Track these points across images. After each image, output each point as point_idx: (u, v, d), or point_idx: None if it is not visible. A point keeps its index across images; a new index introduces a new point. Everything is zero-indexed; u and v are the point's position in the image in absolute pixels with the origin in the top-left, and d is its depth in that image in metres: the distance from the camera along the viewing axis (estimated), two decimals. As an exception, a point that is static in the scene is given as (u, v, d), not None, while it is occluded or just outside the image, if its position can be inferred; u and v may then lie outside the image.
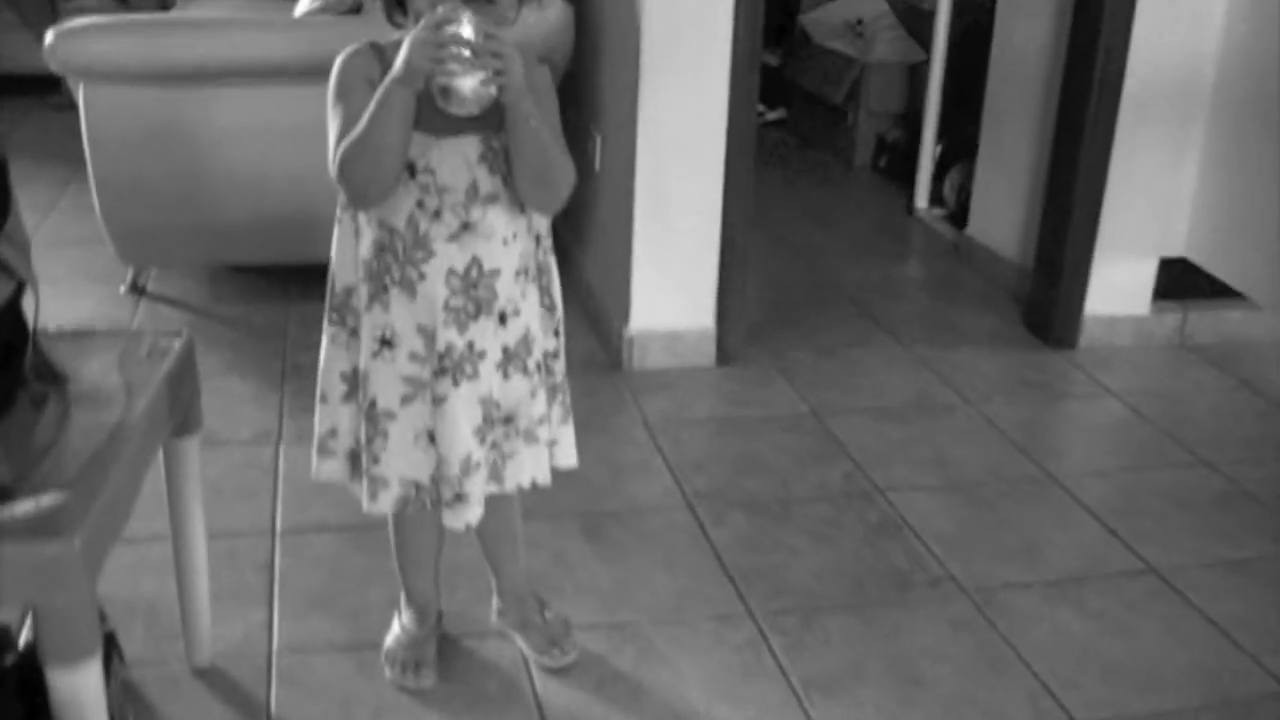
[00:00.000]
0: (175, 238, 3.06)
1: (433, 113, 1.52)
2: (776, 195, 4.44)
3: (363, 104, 1.53)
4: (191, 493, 1.80)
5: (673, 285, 2.95)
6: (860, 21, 5.23)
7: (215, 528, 2.22)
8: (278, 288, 3.34)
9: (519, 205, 1.65)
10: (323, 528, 2.25)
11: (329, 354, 1.73)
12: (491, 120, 1.55)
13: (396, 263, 1.62)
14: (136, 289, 3.34)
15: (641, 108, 2.79)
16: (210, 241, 3.09)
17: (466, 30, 1.46)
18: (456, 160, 1.60)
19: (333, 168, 1.56)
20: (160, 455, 1.71)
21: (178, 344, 1.71)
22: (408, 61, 1.47)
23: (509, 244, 1.65)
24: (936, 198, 4.35)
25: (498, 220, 1.63)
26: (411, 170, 1.59)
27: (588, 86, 3.22)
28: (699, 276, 2.95)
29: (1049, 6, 3.39)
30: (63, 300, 3.28)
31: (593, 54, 3.15)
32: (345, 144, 1.54)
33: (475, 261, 1.63)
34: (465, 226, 1.62)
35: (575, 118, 3.19)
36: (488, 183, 1.62)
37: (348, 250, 1.68)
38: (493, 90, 1.48)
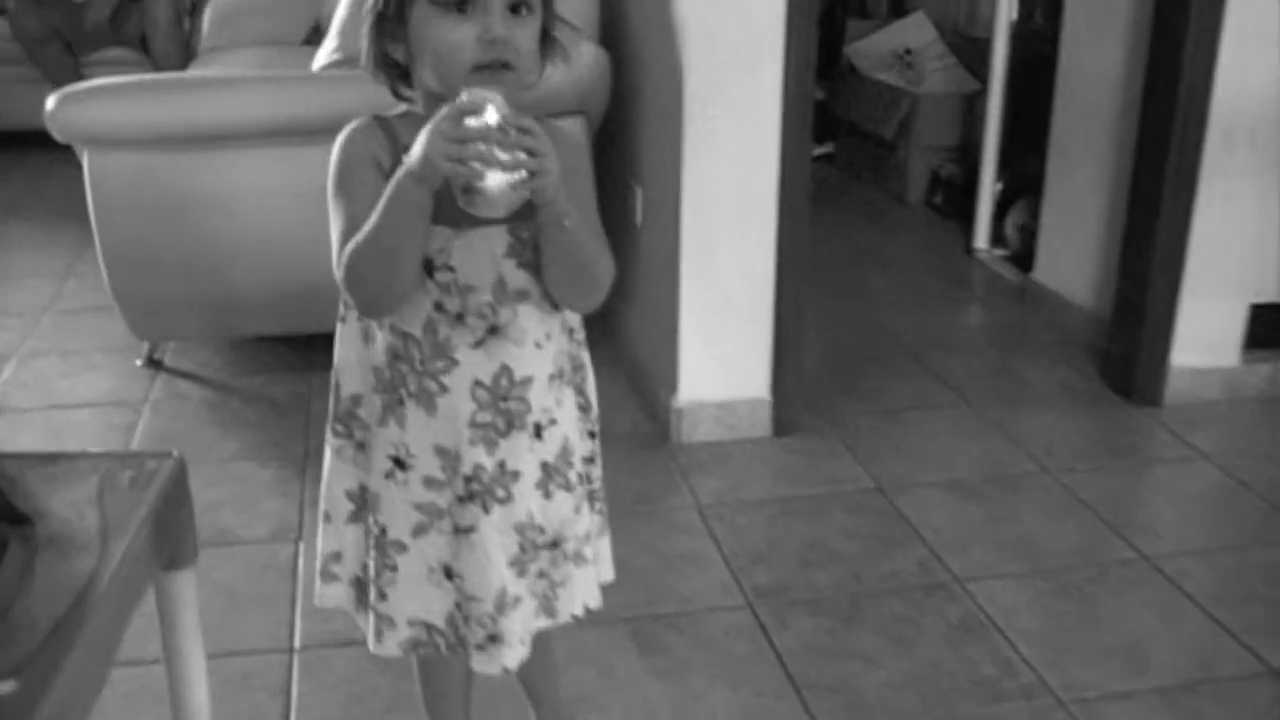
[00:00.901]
0: (190, 311, 2.87)
1: (454, 203, 1.31)
2: (826, 235, 4.20)
3: (370, 195, 1.32)
4: (187, 628, 1.58)
5: (723, 351, 2.72)
6: (909, 51, 5.01)
7: (227, 645, 2.02)
8: (301, 357, 3.14)
9: (551, 300, 1.44)
10: (345, 642, 2.03)
11: (333, 469, 1.52)
12: (521, 209, 1.34)
13: (413, 372, 1.41)
14: (153, 362, 3.15)
15: (686, 157, 2.57)
16: (227, 314, 2.90)
17: (493, 118, 1.24)
18: (481, 255, 1.39)
19: (337, 272, 1.35)
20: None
21: (167, 467, 1.49)
22: (425, 159, 1.25)
23: (542, 346, 1.44)
24: (997, 237, 4.10)
25: (529, 321, 1.42)
26: (429, 268, 1.38)
27: (626, 134, 3.01)
28: (752, 341, 2.72)
29: (1121, 34, 3.15)
30: (76, 376, 3.10)
31: (631, 99, 2.94)
32: (351, 246, 1.33)
33: (504, 370, 1.41)
34: (492, 330, 1.40)
35: (613, 168, 2.98)
36: (517, 279, 1.40)
37: (355, 354, 1.47)
38: (525, 193, 1.26)
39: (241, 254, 2.79)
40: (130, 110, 2.63)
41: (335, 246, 1.36)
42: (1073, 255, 3.44)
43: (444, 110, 1.26)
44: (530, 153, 1.24)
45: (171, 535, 1.46)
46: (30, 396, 2.99)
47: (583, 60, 2.74)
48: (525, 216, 1.34)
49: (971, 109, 4.60)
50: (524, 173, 1.24)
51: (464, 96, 1.27)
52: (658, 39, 2.69)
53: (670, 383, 2.74)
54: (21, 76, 5.30)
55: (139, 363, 3.14)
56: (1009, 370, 3.21)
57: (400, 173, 1.29)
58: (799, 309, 2.74)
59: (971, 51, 4.86)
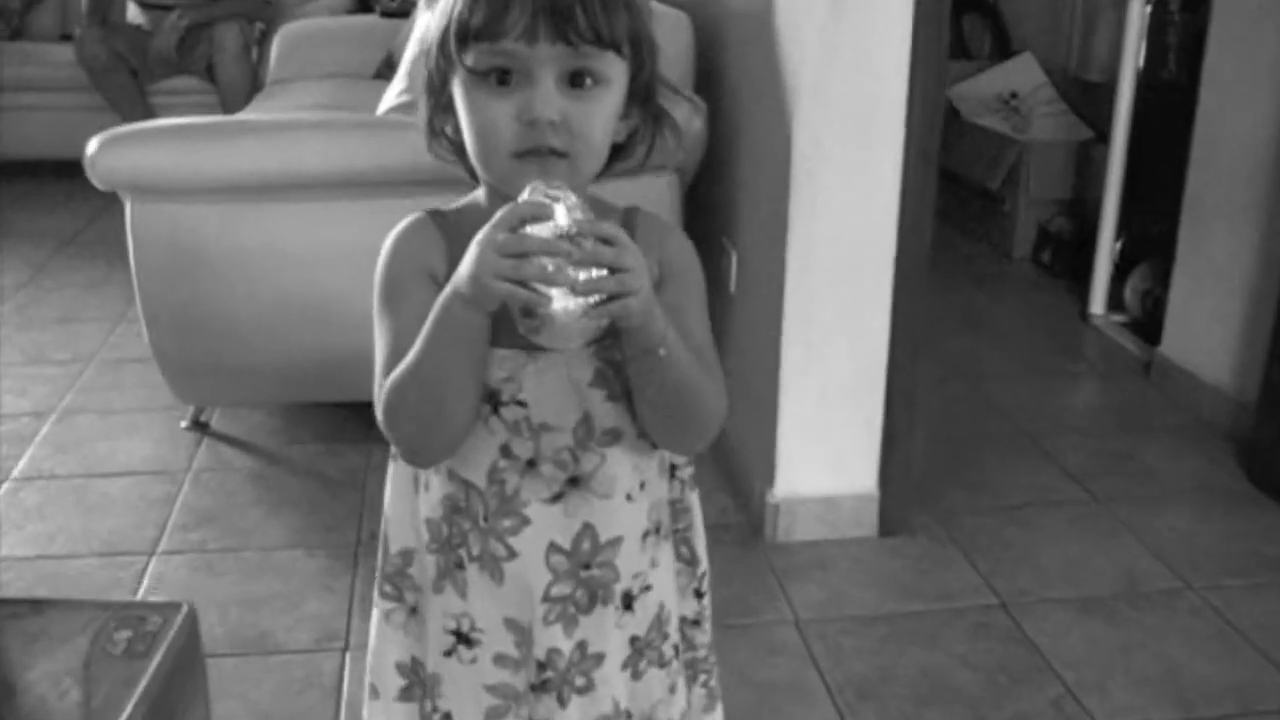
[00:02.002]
0: (237, 376, 2.62)
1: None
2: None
3: (419, 314, 1.05)
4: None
5: (828, 439, 2.42)
6: (1014, 95, 4.69)
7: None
8: (359, 425, 2.87)
9: (648, 438, 1.15)
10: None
11: (381, 636, 1.23)
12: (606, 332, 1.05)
13: (475, 530, 1.13)
14: (199, 424, 2.90)
15: (792, 220, 2.28)
16: (277, 380, 2.64)
17: (562, 222, 0.97)
18: (559, 386, 1.11)
19: (377, 409, 1.08)
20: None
21: (174, 623, 1.22)
22: (474, 278, 0.98)
23: (635, 498, 1.15)
24: (1116, 302, 3.77)
25: (620, 468, 1.14)
26: (494, 401, 1.10)
27: (719, 190, 2.73)
28: (860, 428, 2.42)
29: (1272, 88, 2.82)
30: (116, 438, 2.86)
31: (726, 152, 2.66)
32: (393, 378, 1.05)
33: (587, 530, 1.13)
34: (573, 482, 1.12)
35: (703, 228, 2.69)
36: (606, 415, 1.12)
37: (405, 501, 1.19)
38: (604, 319, 0.98)
39: (295, 315, 2.53)
40: (176, 157, 2.39)
41: (376, 378, 1.09)
42: (1209, 329, 3.10)
43: (499, 213, 0.98)
44: (612, 268, 0.96)
45: (174, 713, 1.19)
46: (66, 462, 2.75)
47: (678, 117, 2.45)
48: (615, 332, 1.06)
49: (1085, 160, 4.27)
50: (600, 295, 0.97)
51: (525, 194, 0.99)
52: (762, 90, 2.41)
53: (767, 473, 2.44)
54: (87, 104, 5.12)
55: (184, 424, 2.89)
56: (1136, 459, 2.88)
57: (447, 291, 1.01)
58: (913, 394, 2.43)
59: (1084, 97, 4.54)
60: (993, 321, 3.83)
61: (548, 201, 0.98)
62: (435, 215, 1.14)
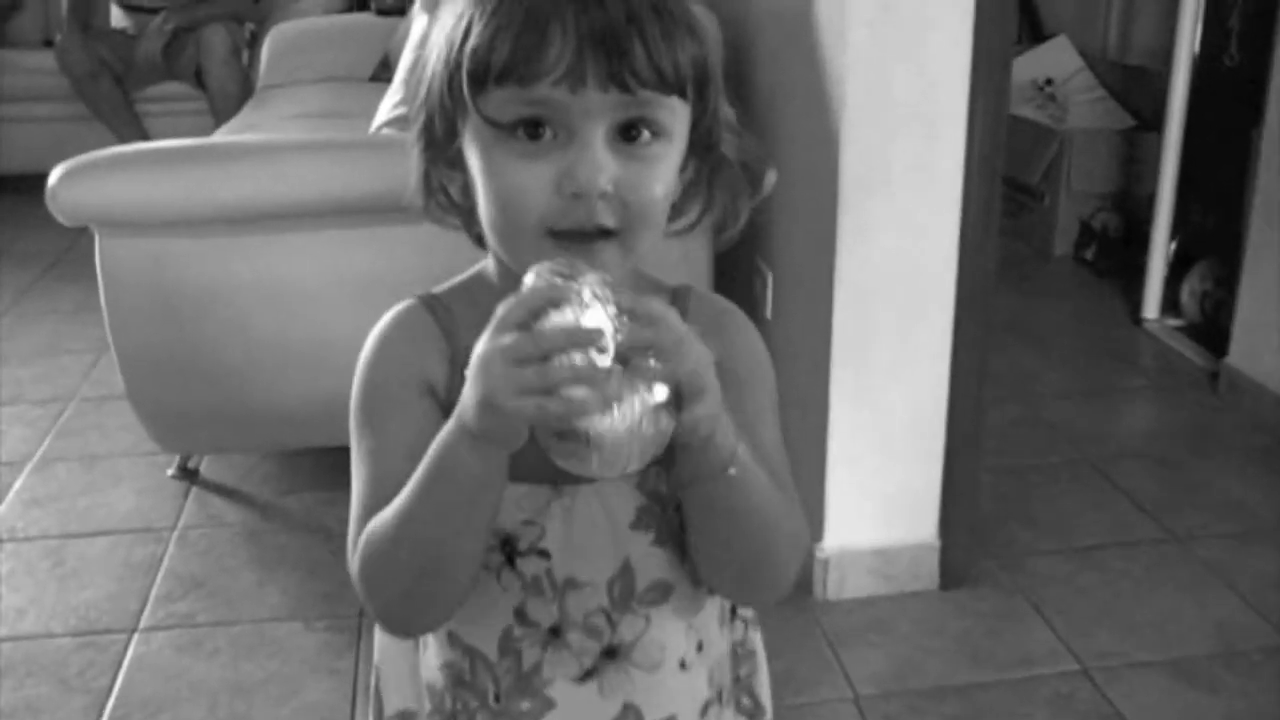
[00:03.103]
0: (223, 422, 2.37)
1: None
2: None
3: (411, 435, 0.82)
4: None
5: (882, 484, 2.17)
6: (1050, 81, 4.42)
7: None
8: (360, 467, 2.63)
9: (705, 588, 0.90)
10: None
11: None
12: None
13: (484, 710, 0.89)
14: (186, 472, 2.66)
15: (842, 241, 2.02)
16: (268, 425, 2.39)
17: (596, 315, 0.73)
18: (592, 529, 0.87)
19: (352, 563, 0.84)
20: None
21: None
22: (487, 401, 0.73)
23: (691, 665, 0.92)
24: (1170, 305, 3.51)
25: (669, 631, 0.90)
26: (508, 551, 0.86)
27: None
28: (918, 472, 2.17)
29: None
30: (97, 491, 2.62)
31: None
32: (374, 531, 0.81)
33: (630, 713, 0.89)
34: (610, 654, 0.88)
35: (732, 246, 2.43)
36: (651, 563, 0.89)
37: (401, 655, 0.95)
38: (666, 429, 0.74)
39: (286, 354, 2.28)
40: (149, 186, 2.13)
41: (352, 522, 0.84)
42: (1284, 340, 2.85)
43: (502, 308, 0.73)
44: (661, 354, 0.72)
45: None
46: (41, 520, 2.50)
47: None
48: (662, 462, 0.80)
49: (1130, 150, 4.00)
50: (660, 396, 0.72)
51: (530, 278, 0.75)
52: (801, 97, 2.15)
53: (815, 524, 2.18)
54: (70, 114, 4.87)
55: (170, 473, 2.65)
56: (1214, 488, 2.62)
57: (449, 429, 0.76)
58: (978, 431, 2.18)
59: (1126, 82, 4.27)
60: (1038, 328, 3.56)
61: (563, 284, 0.74)
62: (430, 303, 0.90)
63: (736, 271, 2.47)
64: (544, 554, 0.86)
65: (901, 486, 2.18)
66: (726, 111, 0.90)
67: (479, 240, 0.91)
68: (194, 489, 2.61)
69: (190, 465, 2.67)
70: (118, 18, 5.00)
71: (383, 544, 0.80)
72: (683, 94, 0.82)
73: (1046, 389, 3.14)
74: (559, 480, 0.84)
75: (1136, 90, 4.18)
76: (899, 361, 2.11)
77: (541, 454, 0.76)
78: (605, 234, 0.82)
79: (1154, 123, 3.68)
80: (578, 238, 0.81)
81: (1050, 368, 3.28)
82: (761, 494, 0.84)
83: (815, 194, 2.09)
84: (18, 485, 2.64)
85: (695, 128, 0.86)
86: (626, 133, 0.81)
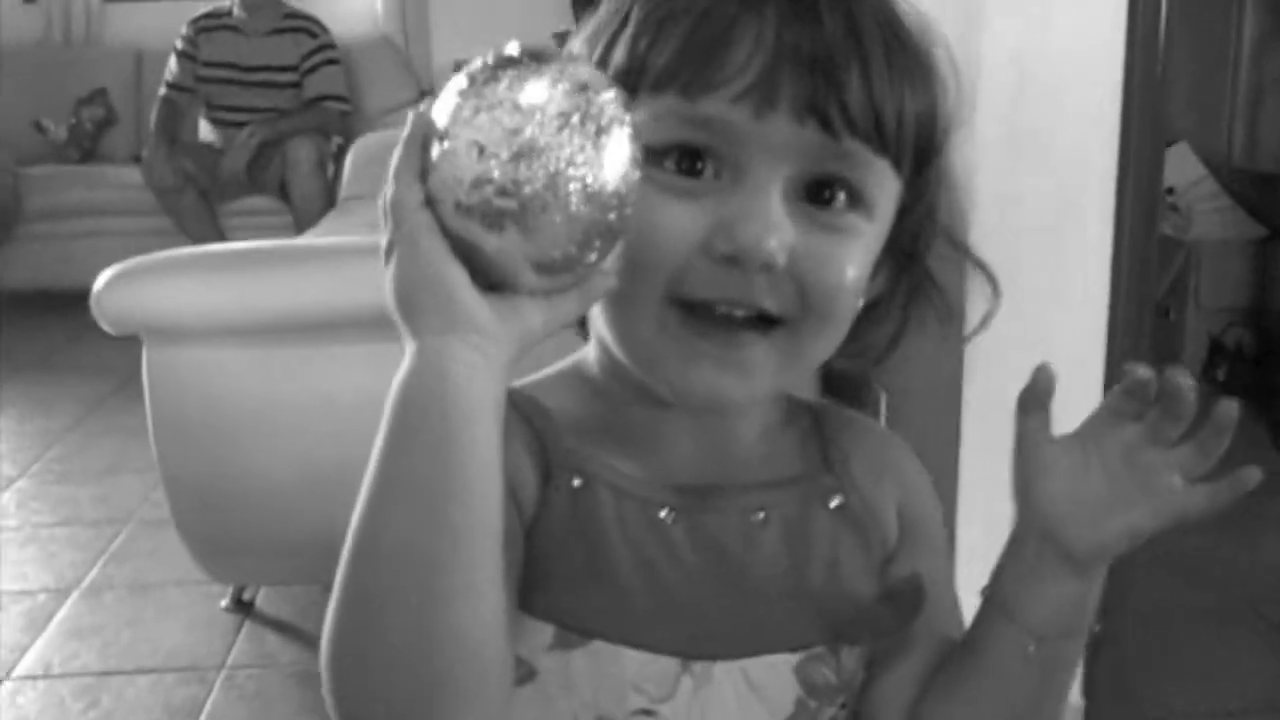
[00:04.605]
0: (273, 550, 2.16)
1: (670, 614, 0.63)
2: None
3: None
4: None
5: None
6: (1171, 191, 4.15)
7: None
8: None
9: None
10: None
11: None
12: (823, 600, 0.68)
13: None
14: (241, 604, 2.44)
15: (970, 365, 1.78)
16: (321, 555, 2.15)
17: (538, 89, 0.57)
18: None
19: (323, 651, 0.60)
20: None
21: None
22: (402, 253, 0.58)
23: None
24: (1317, 427, 3.19)
25: None
26: None
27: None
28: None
29: None
30: (144, 623, 2.42)
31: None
32: (335, 595, 0.60)
33: None
34: None
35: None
36: None
37: None
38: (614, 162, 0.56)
39: (345, 478, 2.06)
40: (199, 292, 1.96)
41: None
42: None
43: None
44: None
45: None
46: (81, 653, 2.30)
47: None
48: (842, 637, 0.67)
49: (1262, 261, 3.72)
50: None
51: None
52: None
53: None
54: (156, 228, 4.80)
55: (224, 604, 2.44)
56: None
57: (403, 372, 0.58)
58: (1128, 576, 1.89)
59: (1254, 190, 4.00)
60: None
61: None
62: (514, 399, 0.67)
63: (843, 383, 2.23)
64: None
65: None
66: (948, 221, 0.69)
67: (581, 323, 0.71)
68: (248, 623, 2.40)
69: (246, 597, 2.46)
70: (205, 131, 4.97)
71: (339, 597, 0.58)
72: (898, 161, 0.62)
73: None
74: (690, 649, 0.63)
75: (1266, 197, 3.91)
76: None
77: (660, 606, 0.62)
78: (764, 323, 0.62)
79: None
80: (721, 321, 0.61)
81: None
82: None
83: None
84: (61, 614, 2.45)
85: (900, 219, 0.65)
86: (816, 194, 0.61)
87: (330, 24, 4.95)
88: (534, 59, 0.56)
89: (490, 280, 0.57)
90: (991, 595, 0.69)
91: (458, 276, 0.56)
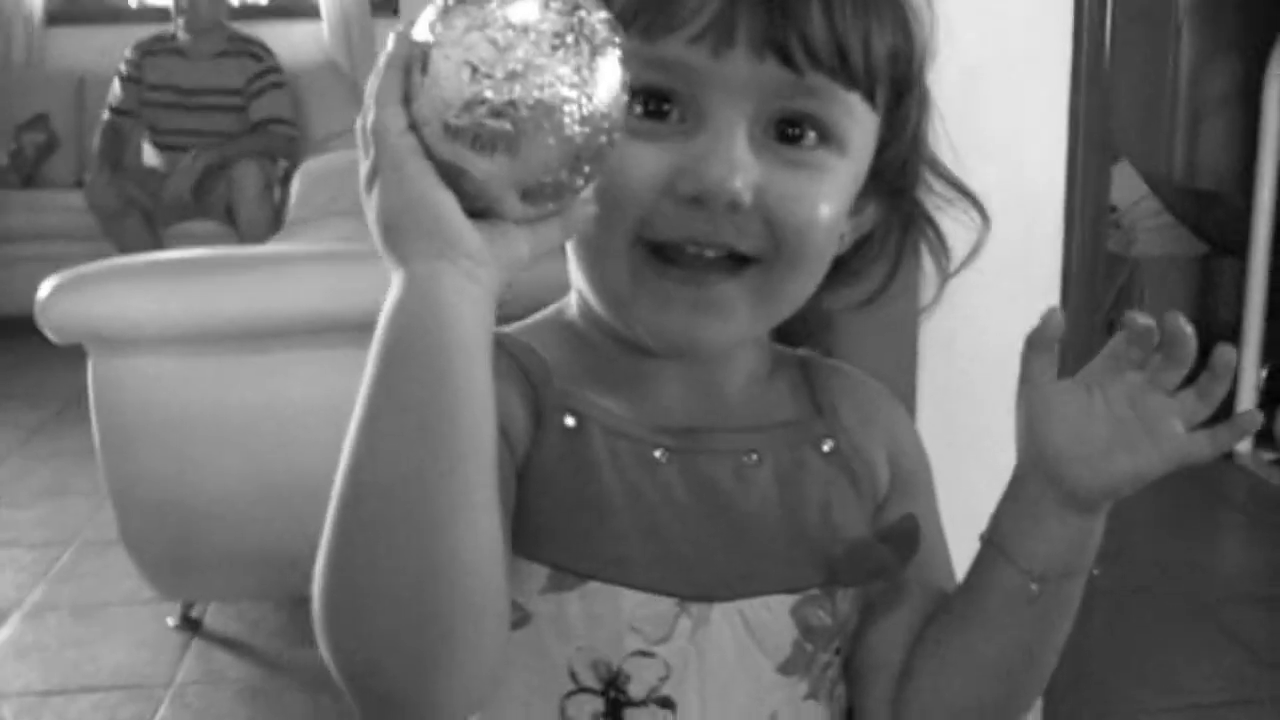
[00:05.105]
0: (224, 565, 2.13)
1: (672, 546, 0.64)
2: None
3: None
4: None
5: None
6: (1113, 209, 4.22)
7: None
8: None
9: None
10: None
11: None
12: (818, 543, 0.68)
13: None
14: (189, 622, 2.40)
15: (924, 364, 1.78)
16: (280, 570, 2.12)
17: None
18: (731, 667, 0.66)
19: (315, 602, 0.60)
20: None
21: None
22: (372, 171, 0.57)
23: None
24: (1264, 437, 3.23)
25: None
26: (613, 697, 0.64)
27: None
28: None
29: None
30: (89, 642, 2.36)
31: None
32: (325, 540, 0.57)
33: None
34: None
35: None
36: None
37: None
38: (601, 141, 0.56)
39: (297, 489, 2.03)
40: (144, 299, 1.93)
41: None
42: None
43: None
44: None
45: None
46: (25, 674, 2.25)
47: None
48: (837, 580, 0.69)
49: (1204, 277, 3.78)
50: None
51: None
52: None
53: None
54: (97, 253, 4.71)
55: (172, 623, 2.39)
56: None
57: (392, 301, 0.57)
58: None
59: (1195, 207, 4.06)
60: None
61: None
62: (504, 342, 0.67)
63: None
64: (666, 704, 0.63)
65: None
66: (934, 153, 0.69)
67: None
68: (195, 641, 2.35)
69: (194, 615, 2.41)
70: (149, 156, 4.92)
71: (334, 522, 0.56)
72: (870, 94, 0.61)
73: (1137, 520, 2.84)
74: (686, 590, 0.63)
75: (1207, 215, 3.98)
76: (994, 485, 1.84)
77: (655, 546, 0.62)
78: (735, 262, 0.62)
79: (1228, 248, 3.47)
80: (689, 262, 0.61)
81: (1137, 501, 2.99)
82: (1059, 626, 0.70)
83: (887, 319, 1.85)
84: (2, 636, 2.39)
85: (882, 153, 0.65)
86: (783, 131, 0.61)
87: (276, 49, 4.93)
88: None
89: (474, 206, 0.56)
90: (990, 537, 0.70)
91: (446, 200, 0.55)
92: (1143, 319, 0.67)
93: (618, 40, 0.56)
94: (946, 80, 1.65)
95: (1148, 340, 0.65)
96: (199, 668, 2.26)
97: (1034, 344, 0.66)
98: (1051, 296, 1.78)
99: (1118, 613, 2.40)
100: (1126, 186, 4.28)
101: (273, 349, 1.99)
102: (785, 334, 0.77)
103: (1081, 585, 0.70)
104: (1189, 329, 0.64)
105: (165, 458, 2.02)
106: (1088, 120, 1.73)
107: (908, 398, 1.82)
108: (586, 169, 0.56)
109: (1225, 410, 2.63)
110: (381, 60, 0.56)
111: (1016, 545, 0.68)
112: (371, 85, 0.56)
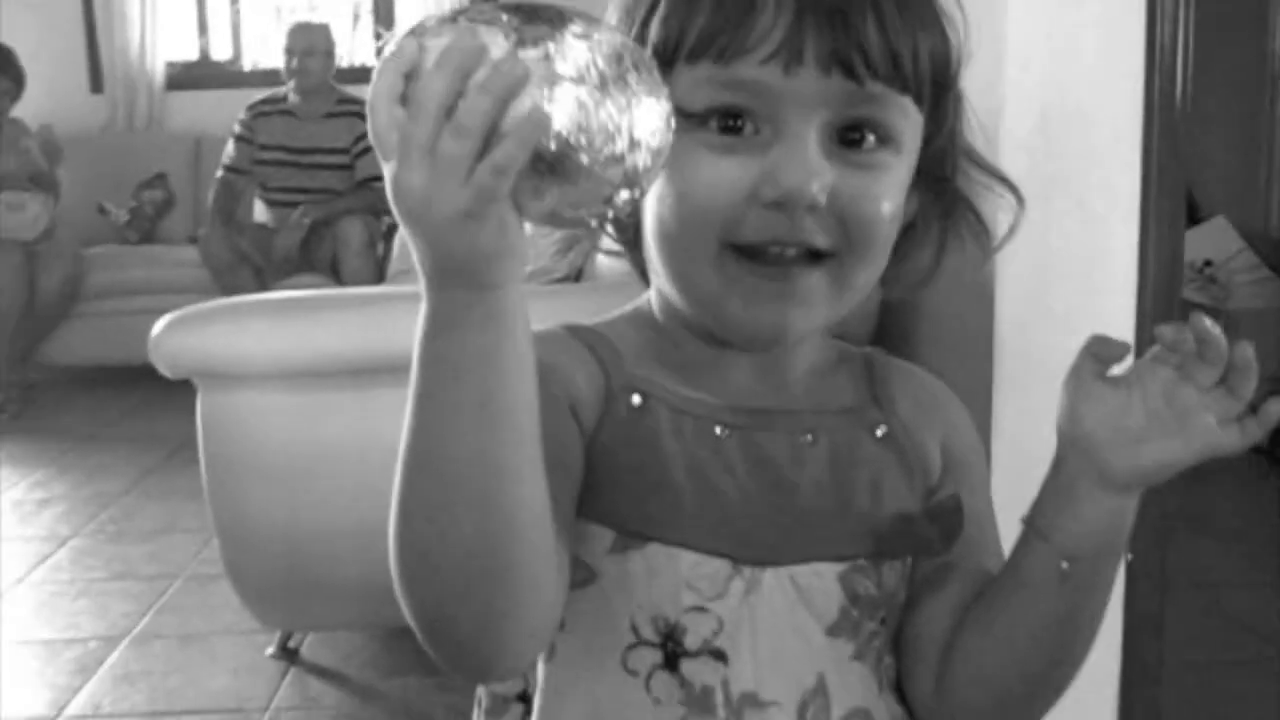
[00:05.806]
0: (331, 597, 2.21)
1: (730, 509, 0.70)
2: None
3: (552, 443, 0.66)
4: None
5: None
6: (1209, 264, 4.20)
7: None
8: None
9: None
10: None
11: None
12: (866, 517, 0.74)
13: None
14: (286, 651, 2.49)
15: (998, 424, 1.81)
16: (380, 602, 2.19)
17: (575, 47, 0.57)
18: (783, 627, 0.72)
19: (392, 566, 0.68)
20: None
21: None
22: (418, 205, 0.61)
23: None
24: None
25: None
26: (671, 647, 0.70)
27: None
28: (1092, 675, 1.89)
29: None
30: (191, 668, 2.47)
31: (902, 338, 2.21)
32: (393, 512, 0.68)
33: None
34: None
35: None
36: (853, 685, 0.74)
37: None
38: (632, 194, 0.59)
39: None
40: (252, 336, 2.03)
41: None
42: None
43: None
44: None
45: None
46: (129, 697, 2.35)
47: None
48: (886, 553, 0.76)
49: (1304, 331, 3.73)
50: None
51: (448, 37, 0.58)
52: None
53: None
54: (210, 305, 4.93)
55: (269, 652, 2.48)
56: None
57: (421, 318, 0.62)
58: (1160, 613, 1.91)
59: (1292, 260, 4.03)
60: (1211, 518, 3.25)
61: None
62: (575, 330, 0.75)
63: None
64: (719, 656, 0.68)
65: (1075, 691, 1.90)
66: (969, 142, 0.76)
67: (642, 273, 0.79)
68: (292, 669, 2.44)
69: (291, 645, 2.50)
70: (260, 212, 5.11)
71: (399, 499, 0.66)
72: (919, 95, 0.68)
73: (1223, 580, 2.83)
74: (740, 553, 0.69)
75: (1304, 268, 3.94)
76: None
77: (712, 512, 0.68)
78: (813, 257, 0.68)
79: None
80: (774, 260, 0.67)
81: (1227, 559, 2.97)
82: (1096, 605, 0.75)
83: (965, 364, 1.89)
84: (111, 659, 2.50)
85: (925, 147, 0.72)
86: (846, 136, 0.68)
87: (382, 109, 5.09)
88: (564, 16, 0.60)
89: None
90: (1030, 519, 0.74)
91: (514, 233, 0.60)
92: (1172, 329, 0.72)
93: (664, 91, 0.59)
94: (1021, 127, 1.70)
95: (1183, 345, 0.70)
96: (295, 694, 2.34)
97: (1094, 351, 0.71)
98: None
99: (1198, 664, 2.39)
100: (1222, 239, 4.25)
101: (371, 385, 2.07)
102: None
103: (1115, 567, 0.74)
104: (1216, 330, 0.69)
105: (268, 489, 2.12)
106: (1160, 165, 1.75)
107: (983, 428, 1.85)
108: (611, 213, 0.60)
109: None
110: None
111: (1051, 524, 0.73)
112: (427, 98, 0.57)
